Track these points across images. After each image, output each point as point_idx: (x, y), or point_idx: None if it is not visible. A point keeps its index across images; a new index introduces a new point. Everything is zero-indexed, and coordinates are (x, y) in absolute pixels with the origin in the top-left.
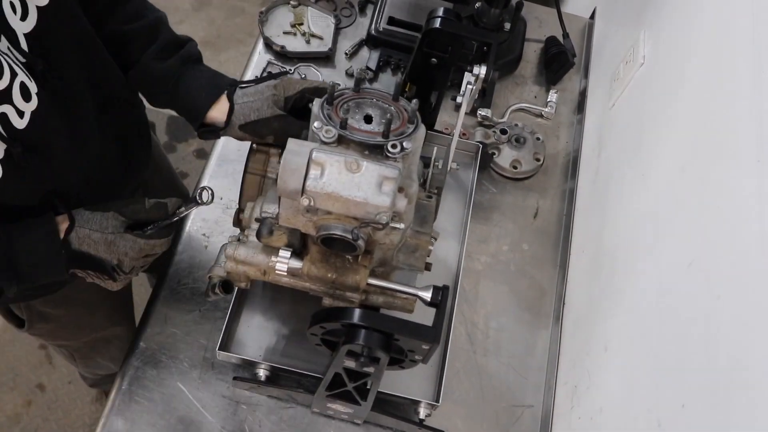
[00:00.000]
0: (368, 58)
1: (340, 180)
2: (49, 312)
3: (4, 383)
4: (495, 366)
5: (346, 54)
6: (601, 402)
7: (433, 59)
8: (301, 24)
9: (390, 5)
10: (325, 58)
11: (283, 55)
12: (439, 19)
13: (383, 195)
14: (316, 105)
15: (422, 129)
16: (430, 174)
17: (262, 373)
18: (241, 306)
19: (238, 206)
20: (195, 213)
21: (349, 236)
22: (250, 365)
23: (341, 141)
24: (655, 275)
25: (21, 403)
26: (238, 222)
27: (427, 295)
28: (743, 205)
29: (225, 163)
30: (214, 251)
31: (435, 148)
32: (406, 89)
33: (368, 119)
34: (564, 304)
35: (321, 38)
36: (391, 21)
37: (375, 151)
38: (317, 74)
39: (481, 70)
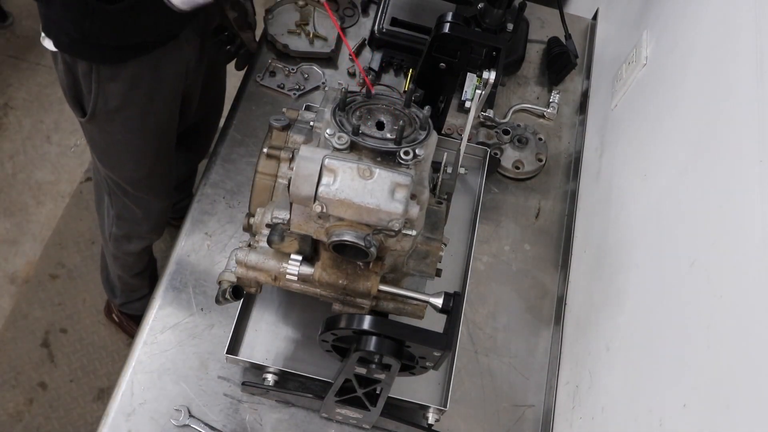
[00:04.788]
0: (371, 58)
1: (353, 187)
2: (114, 91)
3: (6, 381)
4: (496, 366)
5: (350, 56)
6: (602, 401)
7: (442, 64)
8: (306, 24)
9: (393, 6)
10: (327, 59)
11: (285, 54)
12: (449, 24)
13: (396, 202)
14: (327, 111)
15: (434, 135)
16: (440, 179)
17: (269, 377)
18: (248, 309)
19: (248, 211)
20: (197, 212)
21: (362, 243)
22: (257, 369)
23: (353, 147)
24: (657, 275)
25: (22, 402)
26: (248, 227)
27: (439, 301)
28: (745, 206)
29: (227, 163)
30: (216, 250)
31: (445, 154)
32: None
33: (380, 126)
34: (565, 304)
35: (325, 39)
36: (394, 22)
37: (387, 157)
38: (320, 74)
39: (491, 75)
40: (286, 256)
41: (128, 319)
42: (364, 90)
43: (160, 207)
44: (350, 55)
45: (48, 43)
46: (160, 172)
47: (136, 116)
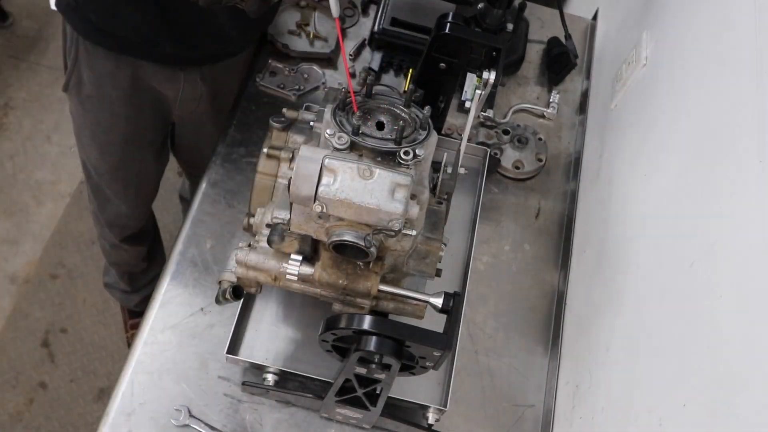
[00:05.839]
0: (371, 59)
1: (353, 187)
2: (89, 79)
3: (6, 381)
4: (496, 365)
5: (350, 56)
6: (602, 401)
7: (442, 64)
8: (307, 24)
9: (393, 6)
10: (327, 59)
11: (285, 55)
12: (449, 24)
13: (396, 202)
14: (327, 111)
15: (434, 135)
16: (440, 179)
17: (270, 377)
18: (248, 309)
19: (248, 211)
20: (198, 212)
21: (362, 243)
22: (257, 368)
23: (353, 147)
24: (657, 275)
25: (23, 402)
26: (248, 227)
27: (438, 301)
28: (745, 206)
29: (227, 163)
30: (215, 250)
31: (445, 154)
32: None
33: (380, 126)
34: (565, 304)
35: (325, 40)
36: (394, 22)
37: (387, 157)
38: (320, 74)
39: (491, 76)
40: (286, 256)
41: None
42: (364, 90)
43: (118, 210)
44: (350, 55)
45: (51, 1)
46: (125, 176)
47: (106, 112)
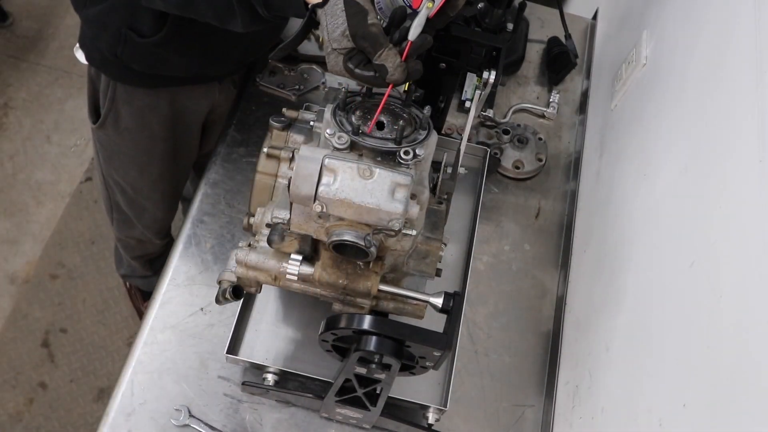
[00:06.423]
0: None
1: (353, 186)
2: (127, 113)
3: (6, 381)
4: (496, 366)
5: None
6: (602, 402)
7: (442, 64)
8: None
9: None
10: None
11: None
12: (449, 24)
13: (396, 202)
14: (327, 111)
15: (434, 135)
16: (440, 179)
17: (270, 377)
18: (248, 309)
19: (248, 211)
20: (198, 212)
21: (362, 243)
22: (257, 368)
23: (353, 147)
24: (657, 275)
25: (23, 402)
26: (248, 227)
27: (439, 301)
28: (745, 206)
29: (227, 163)
30: (215, 250)
31: (445, 153)
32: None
33: (380, 125)
34: (565, 304)
35: None
36: None
37: (387, 157)
38: (319, 74)
39: (491, 75)
40: (286, 255)
41: (136, 290)
42: (364, 89)
43: (155, 215)
44: None
45: (80, 55)
46: (164, 187)
47: (146, 138)
